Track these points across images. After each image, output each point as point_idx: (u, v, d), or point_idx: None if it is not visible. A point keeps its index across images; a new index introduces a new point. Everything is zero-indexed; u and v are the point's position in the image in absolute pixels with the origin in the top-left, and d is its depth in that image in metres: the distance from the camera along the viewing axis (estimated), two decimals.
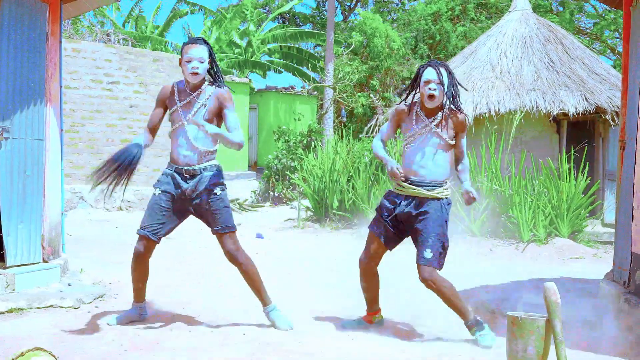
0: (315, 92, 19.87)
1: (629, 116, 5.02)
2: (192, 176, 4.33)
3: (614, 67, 14.72)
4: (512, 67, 11.86)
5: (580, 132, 11.53)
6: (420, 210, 4.26)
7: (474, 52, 12.73)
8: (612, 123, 10.86)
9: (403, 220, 4.34)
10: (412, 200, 4.29)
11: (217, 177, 4.37)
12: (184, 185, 4.33)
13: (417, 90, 4.38)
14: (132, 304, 4.54)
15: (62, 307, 4.80)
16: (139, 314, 4.51)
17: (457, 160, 4.46)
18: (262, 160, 18.64)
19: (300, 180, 12.48)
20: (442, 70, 4.28)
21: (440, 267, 4.24)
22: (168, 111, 4.44)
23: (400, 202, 4.32)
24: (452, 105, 4.35)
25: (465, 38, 19.53)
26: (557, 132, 11.49)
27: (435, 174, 4.29)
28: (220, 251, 4.50)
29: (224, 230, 4.38)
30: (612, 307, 4.84)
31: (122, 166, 4.10)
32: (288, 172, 14.32)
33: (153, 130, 4.43)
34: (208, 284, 5.93)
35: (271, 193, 15.26)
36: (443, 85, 4.25)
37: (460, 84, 4.43)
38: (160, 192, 4.36)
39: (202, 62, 4.30)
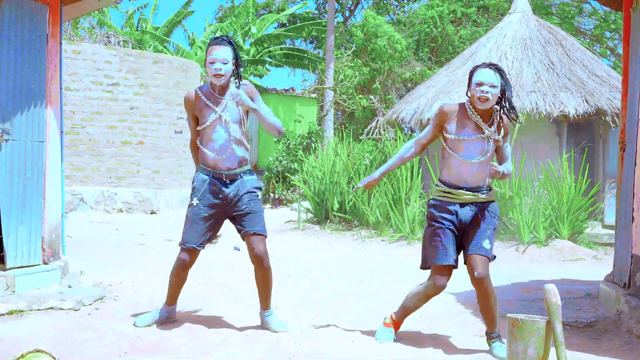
0: (316, 94, 19.86)
1: (629, 118, 5.03)
2: (232, 180, 4.27)
3: (614, 69, 14.70)
4: (512, 68, 11.86)
5: (581, 134, 11.52)
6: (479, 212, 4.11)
7: (474, 53, 12.73)
8: (612, 125, 10.86)
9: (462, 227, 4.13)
10: (469, 206, 4.11)
11: (257, 181, 4.36)
12: (225, 190, 4.26)
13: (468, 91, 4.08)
14: (164, 306, 4.49)
15: (62, 309, 4.80)
16: (168, 315, 4.48)
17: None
18: (262, 162, 18.63)
19: (301, 182, 12.48)
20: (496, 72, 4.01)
21: (493, 258, 4.09)
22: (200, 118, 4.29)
23: (457, 210, 4.09)
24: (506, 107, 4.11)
25: (467, 41, 19.49)
26: (557, 134, 11.49)
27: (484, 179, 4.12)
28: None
29: (261, 232, 4.29)
30: (612, 309, 4.84)
31: None
32: (288, 174, 14.33)
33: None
34: (208, 285, 5.92)
35: (271, 195, 15.29)
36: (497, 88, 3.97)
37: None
38: (198, 202, 4.29)
39: (226, 64, 4.17)
